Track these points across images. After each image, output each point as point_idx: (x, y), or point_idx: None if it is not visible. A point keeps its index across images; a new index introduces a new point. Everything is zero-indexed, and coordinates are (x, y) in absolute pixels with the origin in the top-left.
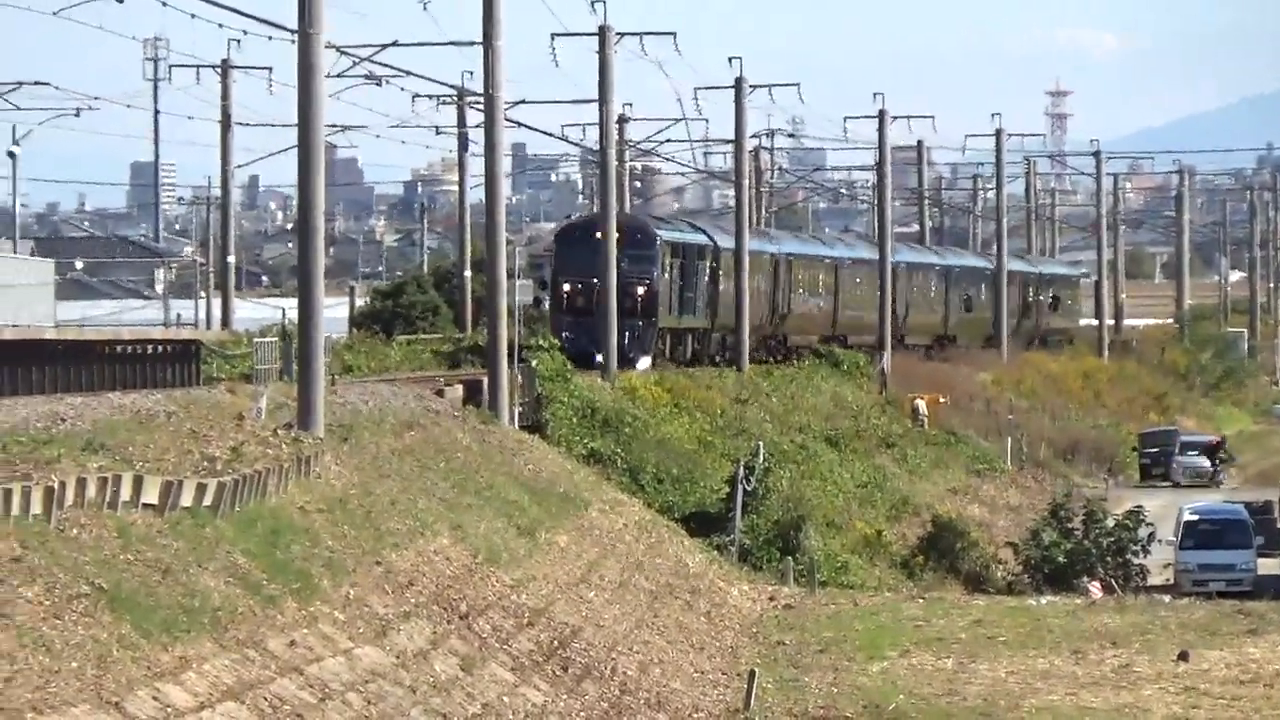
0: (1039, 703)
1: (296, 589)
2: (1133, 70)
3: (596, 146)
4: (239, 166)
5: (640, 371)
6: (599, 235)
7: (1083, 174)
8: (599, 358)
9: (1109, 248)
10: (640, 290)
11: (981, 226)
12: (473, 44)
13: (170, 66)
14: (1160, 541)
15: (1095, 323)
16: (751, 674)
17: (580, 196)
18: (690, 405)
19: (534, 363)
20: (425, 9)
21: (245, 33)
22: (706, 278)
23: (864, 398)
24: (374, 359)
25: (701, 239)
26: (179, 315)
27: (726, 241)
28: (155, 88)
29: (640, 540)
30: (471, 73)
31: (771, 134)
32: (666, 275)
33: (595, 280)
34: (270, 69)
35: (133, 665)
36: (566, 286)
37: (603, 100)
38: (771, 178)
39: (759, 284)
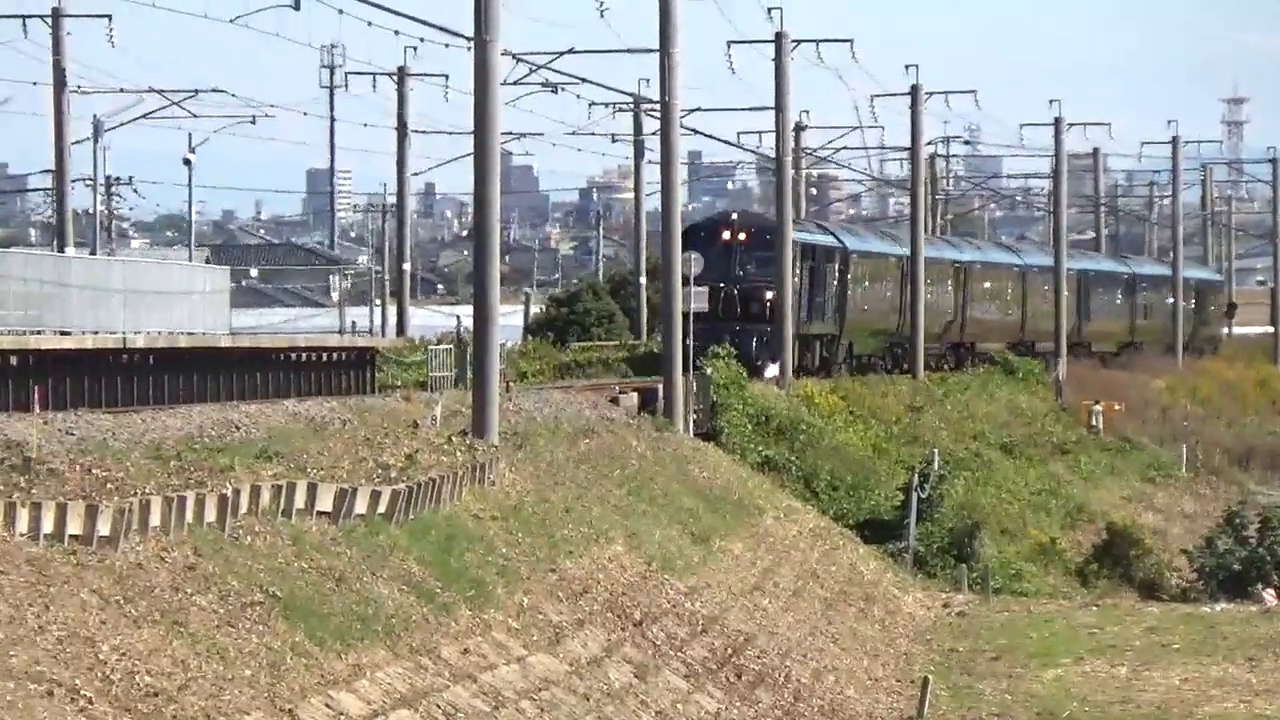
0: (1213, 710)
1: (470, 596)
2: None
3: (773, 154)
4: (415, 174)
5: (768, 379)
6: (725, 237)
7: (1260, 181)
8: None
9: None
10: (769, 295)
11: (1157, 234)
12: (649, 51)
13: (346, 74)
14: None
15: (1243, 330)
16: (925, 681)
17: (757, 204)
18: (865, 413)
19: (709, 370)
20: (602, 16)
21: (422, 40)
22: (835, 282)
23: (1039, 405)
24: (549, 366)
25: (830, 241)
26: (354, 323)
27: (855, 244)
28: (331, 95)
29: (814, 548)
30: (648, 80)
31: (948, 141)
32: (795, 279)
33: (722, 285)
34: (446, 76)
35: (306, 673)
36: None
37: (779, 108)
38: (947, 185)
39: (886, 289)
